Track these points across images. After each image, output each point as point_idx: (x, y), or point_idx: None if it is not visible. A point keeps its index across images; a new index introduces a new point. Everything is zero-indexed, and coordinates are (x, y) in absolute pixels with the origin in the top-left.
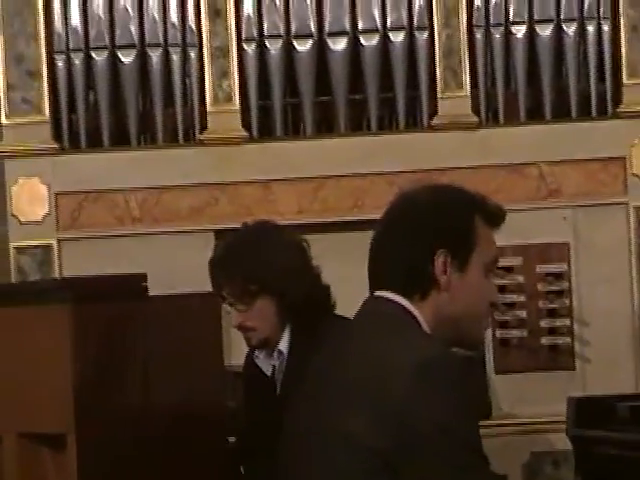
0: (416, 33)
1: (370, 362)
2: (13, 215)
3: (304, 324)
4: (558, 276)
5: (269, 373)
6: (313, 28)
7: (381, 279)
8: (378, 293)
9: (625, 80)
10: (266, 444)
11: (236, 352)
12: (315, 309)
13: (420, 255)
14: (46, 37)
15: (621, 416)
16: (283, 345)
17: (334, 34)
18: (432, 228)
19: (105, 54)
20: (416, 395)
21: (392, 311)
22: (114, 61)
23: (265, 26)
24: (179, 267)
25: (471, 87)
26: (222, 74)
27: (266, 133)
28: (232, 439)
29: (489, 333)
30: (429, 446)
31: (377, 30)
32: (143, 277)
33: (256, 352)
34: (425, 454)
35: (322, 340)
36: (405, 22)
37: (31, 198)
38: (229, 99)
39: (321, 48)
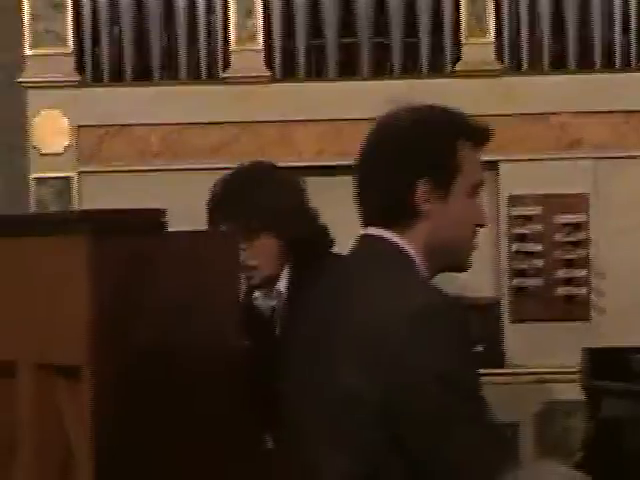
0: None
1: (366, 312)
2: (34, 147)
3: (303, 263)
4: (576, 226)
5: (268, 313)
6: None
7: (367, 211)
8: (369, 231)
9: None
10: (267, 388)
11: None
12: (314, 247)
13: (401, 185)
14: None
15: (635, 368)
16: (282, 285)
17: None
18: (413, 157)
19: None
20: (414, 344)
21: (384, 251)
22: None
23: None
24: (199, 204)
25: (495, 34)
26: (246, 13)
27: (289, 74)
28: None
29: (505, 281)
30: (428, 395)
31: None
32: (162, 212)
33: (255, 293)
34: (424, 404)
35: (320, 279)
36: None
37: (53, 130)
38: (253, 38)
39: None
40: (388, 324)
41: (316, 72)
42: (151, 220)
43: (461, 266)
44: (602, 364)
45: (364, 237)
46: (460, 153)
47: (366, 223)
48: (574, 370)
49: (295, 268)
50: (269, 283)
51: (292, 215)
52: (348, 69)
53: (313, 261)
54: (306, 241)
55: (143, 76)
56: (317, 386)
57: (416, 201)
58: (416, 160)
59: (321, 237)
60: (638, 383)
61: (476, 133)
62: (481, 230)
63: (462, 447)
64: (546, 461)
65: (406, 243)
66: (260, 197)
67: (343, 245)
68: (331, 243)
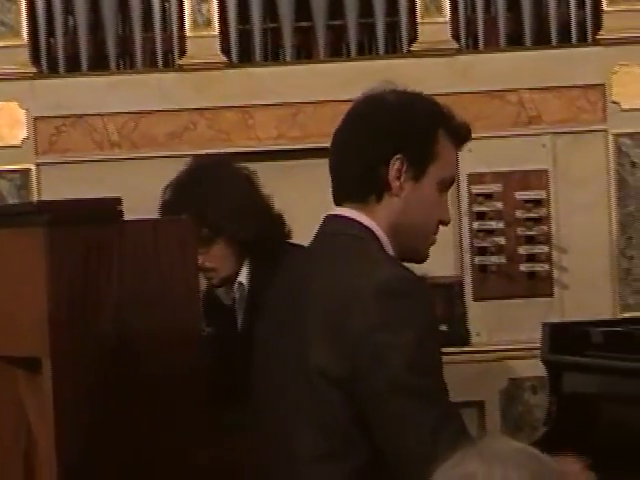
0: None
1: (331, 290)
2: None
3: (262, 256)
4: (537, 203)
5: (229, 303)
6: None
7: (340, 183)
8: (336, 211)
9: (605, 7)
10: (230, 377)
11: None
12: (270, 241)
13: (378, 156)
14: None
15: (595, 342)
16: (243, 277)
17: None
18: (393, 130)
19: None
20: (375, 318)
21: (350, 231)
22: None
23: None
24: (158, 193)
25: (451, 13)
26: None
27: (245, 58)
28: None
29: (467, 259)
30: (384, 369)
31: None
32: (118, 201)
33: None
34: (380, 378)
35: (280, 270)
36: None
37: (10, 122)
38: (208, 24)
39: None
40: (355, 300)
41: (272, 56)
42: (108, 209)
43: (418, 256)
44: (562, 339)
45: (331, 217)
46: (439, 143)
47: (338, 199)
48: (538, 346)
49: (254, 262)
50: (230, 280)
51: (242, 219)
52: (304, 52)
53: (271, 253)
54: (261, 238)
55: (99, 65)
56: (289, 367)
57: (389, 175)
58: (397, 135)
59: (276, 230)
60: (599, 357)
61: (457, 129)
62: None
63: (418, 425)
64: (500, 436)
65: (371, 222)
66: (207, 207)
67: (302, 228)
68: (287, 233)
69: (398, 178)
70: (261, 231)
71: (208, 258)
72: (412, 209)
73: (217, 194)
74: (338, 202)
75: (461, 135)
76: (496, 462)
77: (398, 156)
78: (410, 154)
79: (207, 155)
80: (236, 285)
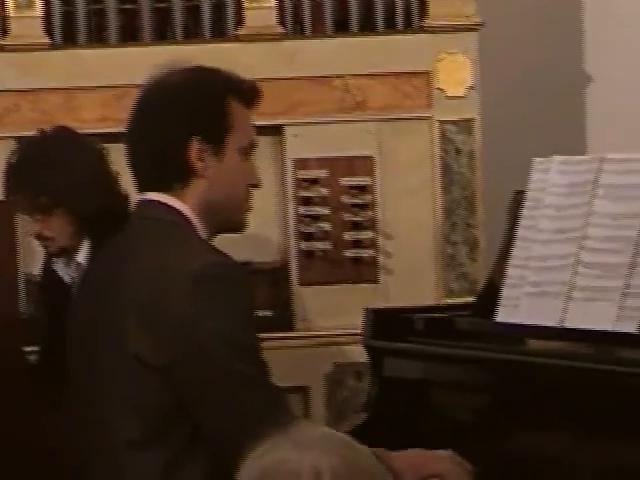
0: None
1: (146, 277)
2: None
3: (101, 235)
4: (362, 189)
5: (69, 281)
6: None
7: (142, 176)
8: (145, 195)
9: None
10: (58, 358)
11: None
12: (111, 220)
13: (173, 143)
14: None
15: (417, 328)
16: (81, 256)
17: None
18: (183, 114)
19: None
20: (194, 306)
21: (162, 215)
22: None
23: None
24: None
25: None
26: None
27: (69, 40)
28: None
29: (293, 245)
30: (209, 357)
31: None
32: None
33: (54, 259)
34: (205, 366)
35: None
36: None
37: None
38: (31, 4)
39: None
40: (173, 287)
41: (97, 38)
42: None
43: (237, 226)
44: (384, 325)
45: (141, 202)
46: (230, 112)
47: (142, 188)
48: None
49: (93, 241)
50: (67, 252)
51: (84, 191)
52: (129, 34)
53: (110, 233)
54: (101, 215)
55: None
56: (105, 352)
57: (189, 159)
58: (186, 118)
59: (118, 210)
60: (420, 343)
61: (245, 92)
62: (268, 194)
63: (246, 412)
64: (310, 423)
65: (182, 205)
66: (49, 174)
67: None
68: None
69: (200, 159)
70: (101, 208)
71: (46, 226)
72: (220, 184)
73: (62, 164)
74: (142, 191)
75: (251, 96)
76: (307, 449)
77: (194, 138)
78: (206, 132)
79: (58, 127)
80: (74, 264)
